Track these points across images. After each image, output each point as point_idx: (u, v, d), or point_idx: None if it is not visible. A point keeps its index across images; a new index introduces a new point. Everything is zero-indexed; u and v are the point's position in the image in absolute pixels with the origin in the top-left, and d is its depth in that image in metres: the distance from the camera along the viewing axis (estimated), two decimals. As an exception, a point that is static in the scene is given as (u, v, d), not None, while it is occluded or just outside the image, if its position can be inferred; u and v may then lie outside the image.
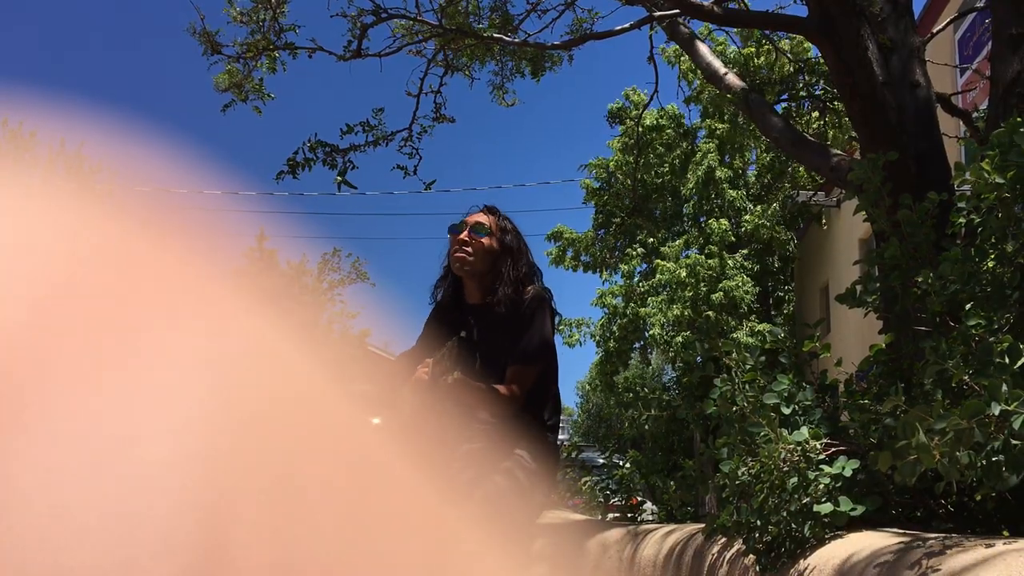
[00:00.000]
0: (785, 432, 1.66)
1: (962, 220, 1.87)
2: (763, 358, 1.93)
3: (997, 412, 1.23)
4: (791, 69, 7.27)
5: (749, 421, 1.71)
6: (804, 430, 1.66)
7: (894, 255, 1.90)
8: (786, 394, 1.78)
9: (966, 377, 1.40)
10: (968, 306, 1.61)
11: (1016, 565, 0.97)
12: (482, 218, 2.71)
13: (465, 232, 2.67)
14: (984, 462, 1.24)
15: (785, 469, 1.60)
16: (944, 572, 1.05)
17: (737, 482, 1.69)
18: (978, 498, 1.51)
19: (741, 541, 1.68)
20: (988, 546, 1.08)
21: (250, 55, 6.57)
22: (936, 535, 1.29)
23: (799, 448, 1.62)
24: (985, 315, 1.54)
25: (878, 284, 2.00)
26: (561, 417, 2.81)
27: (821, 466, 1.63)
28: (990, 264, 1.65)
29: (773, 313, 17.30)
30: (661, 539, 2.22)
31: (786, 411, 1.76)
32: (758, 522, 1.60)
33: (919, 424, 1.23)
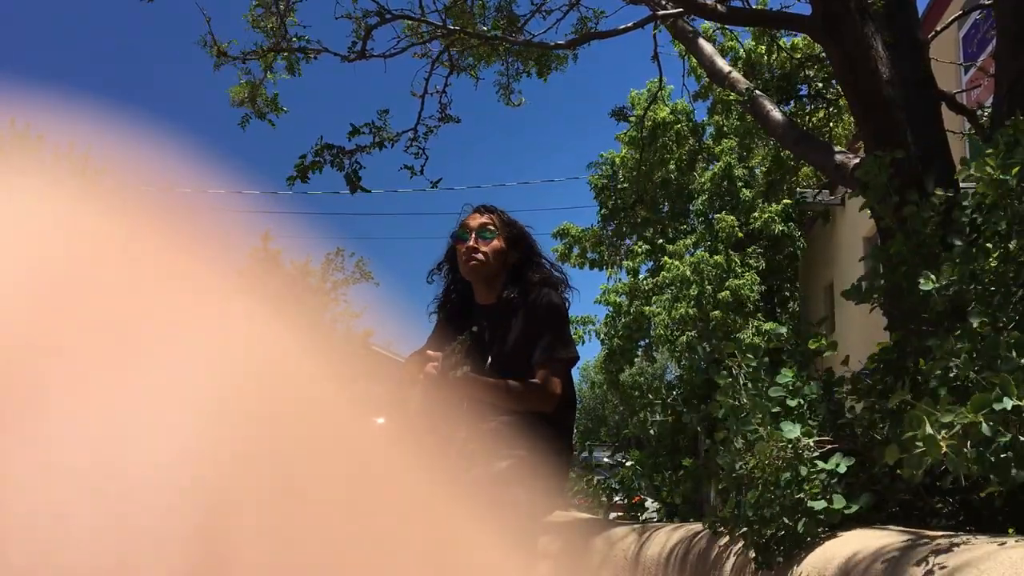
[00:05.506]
0: (778, 427, 1.66)
1: (965, 218, 1.87)
2: (767, 359, 1.93)
3: (1010, 407, 1.23)
4: (790, 66, 7.25)
5: (749, 416, 1.71)
6: (796, 427, 1.67)
7: (900, 251, 1.90)
8: (791, 387, 1.78)
9: (972, 373, 1.40)
10: (971, 307, 1.61)
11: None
12: (484, 219, 2.67)
13: (472, 239, 2.64)
14: (993, 458, 1.23)
15: (779, 464, 1.60)
16: (950, 569, 1.05)
17: (733, 475, 1.69)
18: (982, 495, 1.51)
19: (741, 537, 1.68)
20: (1001, 544, 1.08)
21: (256, 57, 6.58)
22: (939, 533, 1.28)
23: (790, 445, 1.63)
24: (989, 312, 1.54)
25: (883, 280, 2.00)
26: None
27: (816, 462, 1.63)
28: (993, 263, 1.65)
29: (778, 311, 17.24)
30: (665, 537, 2.22)
31: (791, 403, 1.77)
32: (753, 516, 1.60)
33: (926, 418, 1.23)
